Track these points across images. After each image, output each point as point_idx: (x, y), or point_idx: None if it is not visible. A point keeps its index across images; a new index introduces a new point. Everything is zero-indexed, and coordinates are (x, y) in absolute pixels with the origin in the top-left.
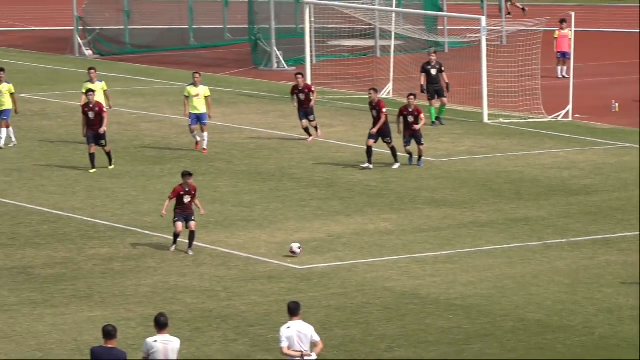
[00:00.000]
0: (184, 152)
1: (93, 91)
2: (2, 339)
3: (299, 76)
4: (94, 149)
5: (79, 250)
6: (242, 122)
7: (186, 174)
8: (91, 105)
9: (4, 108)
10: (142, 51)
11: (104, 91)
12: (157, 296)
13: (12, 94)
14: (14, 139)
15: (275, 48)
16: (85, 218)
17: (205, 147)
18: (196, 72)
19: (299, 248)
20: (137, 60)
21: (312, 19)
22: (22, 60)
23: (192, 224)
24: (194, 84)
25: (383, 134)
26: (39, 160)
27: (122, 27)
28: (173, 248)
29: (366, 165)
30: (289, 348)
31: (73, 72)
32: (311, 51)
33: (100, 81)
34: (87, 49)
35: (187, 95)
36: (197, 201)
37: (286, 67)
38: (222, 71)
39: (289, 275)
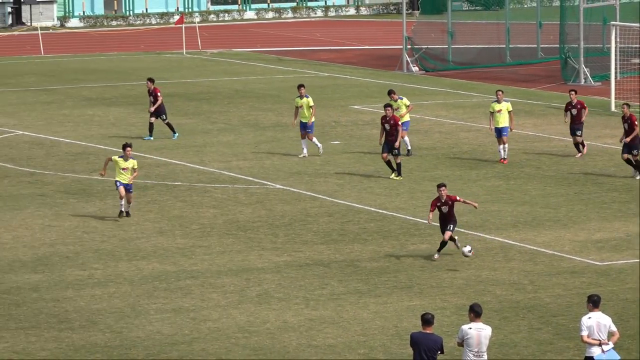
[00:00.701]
0: (498, 159)
1: (391, 106)
2: (330, 324)
3: (572, 93)
4: (387, 157)
5: (401, 245)
6: (551, 132)
7: (439, 186)
8: (388, 118)
9: (305, 121)
10: (463, 68)
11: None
12: (470, 288)
13: (310, 107)
14: (305, 151)
15: (583, 65)
16: (408, 217)
17: (505, 157)
18: (499, 90)
19: (470, 252)
20: (458, 76)
21: (618, 39)
22: (355, 75)
23: (447, 234)
24: (497, 101)
25: (633, 145)
26: (368, 164)
27: (446, 46)
28: (436, 256)
29: (636, 174)
30: (588, 336)
31: (401, 86)
32: (616, 68)
33: (401, 98)
34: (414, 65)
35: (491, 111)
36: (461, 199)
37: (593, 83)
38: (534, 86)
39: (589, 271)
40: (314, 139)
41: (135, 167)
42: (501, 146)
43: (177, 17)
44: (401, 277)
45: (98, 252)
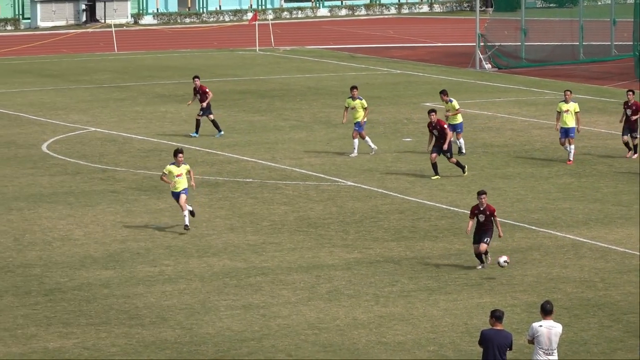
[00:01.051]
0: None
1: (434, 111)
2: (400, 321)
3: (630, 93)
4: (436, 158)
5: (471, 243)
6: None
7: (480, 193)
8: (434, 124)
9: (358, 120)
10: (535, 65)
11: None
12: (540, 285)
13: (364, 108)
14: (373, 146)
15: None
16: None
17: (570, 159)
18: (567, 90)
19: (505, 262)
20: (531, 73)
21: None
22: (428, 72)
23: (482, 246)
24: (565, 101)
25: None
26: (440, 162)
27: (519, 43)
28: (480, 266)
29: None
30: None
31: (473, 83)
32: None
33: (451, 101)
34: (487, 63)
35: (559, 110)
36: (497, 219)
37: None
38: (607, 83)
39: None
40: (367, 138)
41: (189, 169)
42: (571, 146)
43: (250, 15)
44: (471, 274)
45: (169, 249)
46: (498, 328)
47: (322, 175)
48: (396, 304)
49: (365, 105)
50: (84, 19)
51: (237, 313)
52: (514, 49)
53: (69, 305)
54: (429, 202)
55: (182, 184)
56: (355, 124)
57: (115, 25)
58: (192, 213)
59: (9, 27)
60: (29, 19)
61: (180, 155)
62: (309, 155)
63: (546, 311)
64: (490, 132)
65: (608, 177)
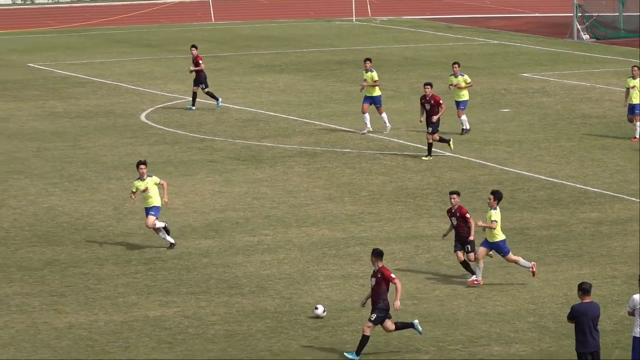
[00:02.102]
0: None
1: (431, 84)
2: (499, 292)
3: (635, 69)
4: (431, 137)
5: (571, 214)
6: None
7: (450, 193)
8: (428, 98)
9: (369, 95)
10: (634, 35)
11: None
12: None
13: (375, 81)
14: (388, 124)
15: None
16: (578, 185)
17: (636, 136)
18: (635, 66)
19: (323, 312)
20: (629, 44)
21: None
22: (525, 43)
23: (470, 255)
24: (633, 77)
25: None
26: (538, 132)
27: (617, 13)
28: (472, 278)
29: None
30: None
31: (571, 54)
32: None
33: (462, 75)
34: (585, 33)
35: (627, 87)
36: (470, 220)
37: None
38: None
39: None
40: (384, 114)
41: (157, 182)
42: (637, 123)
43: None
44: (571, 245)
45: (268, 219)
46: (588, 301)
47: (420, 146)
48: (495, 274)
49: (376, 78)
50: None
51: (336, 283)
52: (612, 19)
53: (169, 274)
54: (527, 173)
55: (153, 199)
56: (365, 97)
57: None
58: (166, 229)
59: None
60: None
61: (142, 166)
62: (407, 126)
63: None
64: (589, 103)
65: None
